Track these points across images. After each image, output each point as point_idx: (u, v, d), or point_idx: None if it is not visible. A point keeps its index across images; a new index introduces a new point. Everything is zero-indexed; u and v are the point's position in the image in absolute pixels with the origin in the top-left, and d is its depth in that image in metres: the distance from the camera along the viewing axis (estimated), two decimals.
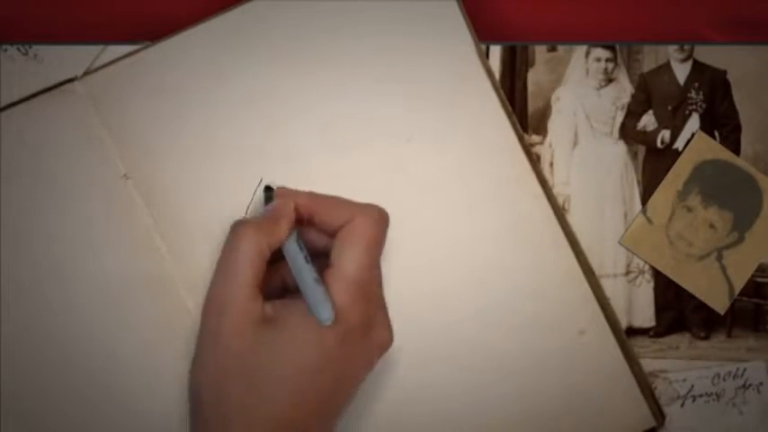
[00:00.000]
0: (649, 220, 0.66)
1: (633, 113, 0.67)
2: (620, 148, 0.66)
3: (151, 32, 0.64)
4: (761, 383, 0.64)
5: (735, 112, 0.66)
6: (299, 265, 0.56)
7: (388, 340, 0.58)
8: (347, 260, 0.56)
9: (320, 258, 0.58)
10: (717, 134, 0.66)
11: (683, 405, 0.64)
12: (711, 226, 0.66)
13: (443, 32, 0.64)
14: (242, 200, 0.62)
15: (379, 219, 0.58)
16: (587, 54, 0.67)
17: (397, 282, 0.62)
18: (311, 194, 0.59)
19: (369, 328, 0.57)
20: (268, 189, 0.60)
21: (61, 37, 0.65)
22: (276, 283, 0.58)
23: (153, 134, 0.62)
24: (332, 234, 0.58)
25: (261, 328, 0.55)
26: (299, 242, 0.57)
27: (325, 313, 0.54)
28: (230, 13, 0.64)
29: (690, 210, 0.66)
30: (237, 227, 0.56)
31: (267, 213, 0.58)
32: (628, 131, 0.67)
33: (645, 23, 0.67)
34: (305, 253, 0.57)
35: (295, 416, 0.54)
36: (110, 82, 0.63)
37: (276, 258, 0.57)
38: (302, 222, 0.59)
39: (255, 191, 0.63)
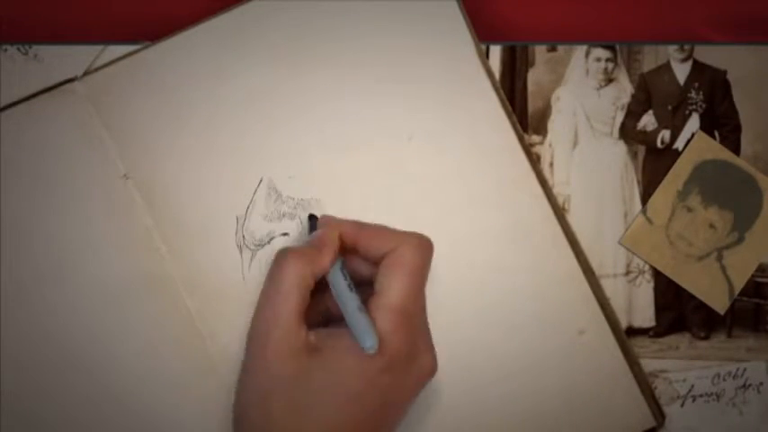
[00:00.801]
0: (649, 220, 0.66)
1: (633, 113, 0.67)
2: (620, 148, 0.66)
3: (151, 32, 0.64)
4: (761, 383, 0.64)
5: (735, 112, 0.66)
6: (343, 294, 0.56)
7: (433, 368, 0.58)
8: (391, 289, 0.56)
9: (364, 287, 0.58)
10: (717, 134, 0.66)
11: (683, 405, 0.64)
12: (711, 226, 0.66)
13: (443, 32, 0.64)
14: (242, 200, 0.63)
15: (423, 247, 0.58)
16: (587, 54, 0.67)
17: None
18: (355, 223, 0.59)
19: (413, 356, 0.57)
20: (312, 217, 0.61)
21: (61, 37, 0.65)
22: (320, 312, 0.59)
23: (153, 134, 0.62)
24: (376, 262, 0.58)
25: (305, 357, 0.55)
26: (343, 271, 0.57)
27: (369, 341, 0.54)
28: (230, 13, 0.64)
29: (690, 210, 0.66)
30: (282, 255, 0.57)
31: (311, 241, 0.58)
32: (628, 131, 0.67)
33: (645, 23, 0.67)
34: (349, 281, 0.57)
35: None
36: (110, 82, 0.63)
37: (320, 287, 0.57)
38: (346, 251, 0.59)
39: (255, 191, 0.63)
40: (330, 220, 0.60)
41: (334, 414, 0.54)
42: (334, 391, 0.55)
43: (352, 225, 0.59)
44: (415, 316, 0.57)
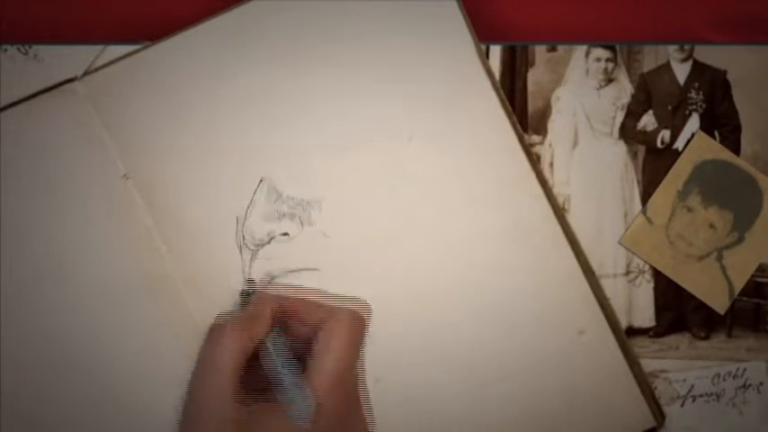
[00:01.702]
0: (649, 220, 0.66)
1: (633, 113, 0.67)
2: (620, 148, 0.66)
3: (151, 32, 0.64)
4: (761, 383, 0.64)
5: (735, 112, 0.66)
6: (276, 366, 0.57)
7: None
8: (325, 360, 0.57)
9: (301, 354, 0.58)
10: (717, 134, 0.66)
11: (683, 405, 0.64)
12: (711, 226, 0.66)
13: (443, 32, 0.64)
14: (242, 200, 0.63)
15: (357, 319, 0.58)
16: (587, 54, 0.67)
17: (397, 281, 0.62)
18: (289, 297, 0.60)
19: (347, 425, 0.57)
20: (245, 293, 0.61)
21: (61, 37, 0.65)
22: (255, 377, 0.58)
23: (153, 134, 0.62)
24: (312, 330, 0.58)
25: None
26: (276, 342, 0.58)
27: (304, 412, 0.55)
28: (230, 13, 0.64)
29: (690, 210, 0.66)
30: (217, 330, 0.57)
31: (245, 315, 0.58)
32: (628, 131, 0.67)
33: (645, 23, 0.67)
34: (282, 353, 0.57)
35: None
36: (110, 82, 0.63)
37: (256, 354, 0.58)
38: (282, 323, 0.59)
39: (255, 191, 0.63)
40: (264, 295, 0.60)
41: None
42: None
43: (285, 300, 0.59)
44: (349, 386, 0.58)
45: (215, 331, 0.57)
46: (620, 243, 0.65)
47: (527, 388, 0.62)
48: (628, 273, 0.65)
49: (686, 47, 0.67)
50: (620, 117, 0.67)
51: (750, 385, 0.64)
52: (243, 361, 0.57)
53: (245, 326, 0.57)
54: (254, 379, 0.58)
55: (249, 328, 0.57)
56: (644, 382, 0.63)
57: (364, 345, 0.59)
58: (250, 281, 0.61)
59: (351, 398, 0.58)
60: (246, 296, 0.61)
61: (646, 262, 0.65)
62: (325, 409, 0.55)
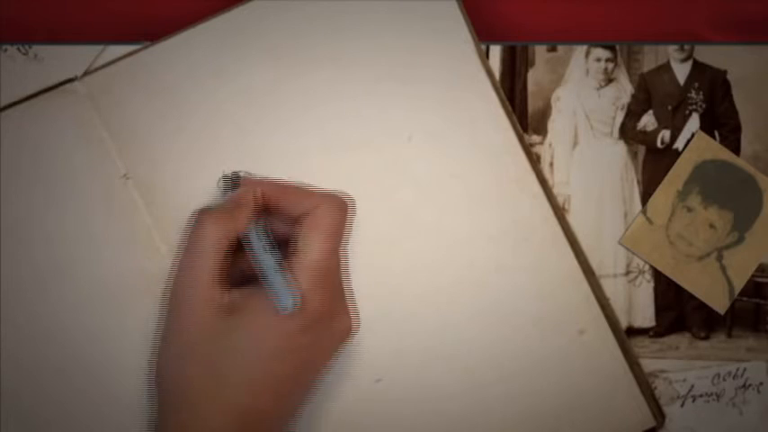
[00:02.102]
0: (649, 220, 0.66)
1: (633, 113, 0.67)
2: (620, 148, 0.66)
3: (151, 32, 0.64)
4: (761, 383, 0.64)
5: (735, 112, 0.66)
6: (260, 254, 0.56)
7: (351, 328, 0.58)
8: (310, 248, 0.56)
9: (285, 246, 0.57)
10: (717, 134, 0.66)
11: (683, 405, 0.64)
12: (711, 226, 0.66)
13: (443, 32, 0.64)
14: None
15: (342, 206, 0.58)
16: (587, 54, 0.67)
17: (397, 281, 0.62)
18: (274, 183, 0.59)
19: (332, 315, 0.57)
20: (230, 177, 0.60)
21: (61, 37, 0.65)
22: (241, 271, 0.58)
23: (153, 134, 0.62)
24: (296, 222, 0.57)
25: (222, 317, 0.55)
26: (260, 230, 0.57)
27: (287, 301, 0.54)
28: (230, 13, 0.64)
29: (690, 210, 0.66)
30: (200, 215, 0.57)
31: (228, 202, 0.58)
32: (628, 131, 0.67)
33: (645, 23, 0.67)
34: (266, 241, 0.57)
35: (255, 403, 0.55)
36: (110, 82, 0.63)
37: (242, 246, 0.57)
38: (267, 210, 0.59)
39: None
40: (250, 180, 0.60)
41: (252, 374, 0.55)
42: (253, 351, 0.55)
43: (270, 185, 0.59)
44: (334, 276, 0.57)
45: (198, 216, 0.57)
46: (620, 243, 0.65)
47: (527, 388, 0.62)
48: (628, 273, 0.65)
49: (686, 47, 0.67)
50: (620, 117, 0.67)
51: (750, 385, 0.64)
52: (225, 245, 0.56)
53: (228, 210, 0.57)
54: (241, 269, 0.58)
55: (232, 213, 0.57)
56: (644, 382, 0.63)
57: (348, 234, 0.58)
58: (235, 172, 0.61)
59: (335, 288, 0.57)
60: (230, 181, 0.60)
61: (646, 262, 0.65)
62: (309, 300, 0.55)
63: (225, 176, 0.60)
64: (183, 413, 0.55)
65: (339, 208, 0.58)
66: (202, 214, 0.57)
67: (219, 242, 0.56)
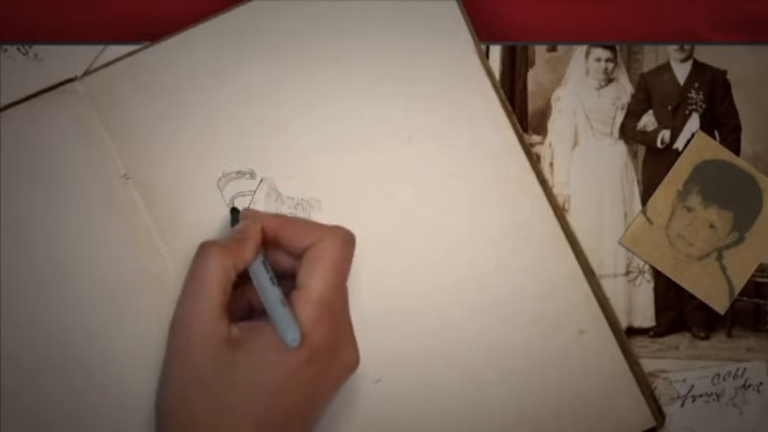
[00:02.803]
0: (649, 220, 0.66)
1: (633, 113, 0.67)
2: (620, 148, 0.66)
3: (151, 32, 0.64)
4: (761, 383, 0.64)
5: (735, 112, 0.66)
6: (265, 287, 0.56)
7: (355, 361, 0.58)
8: (313, 282, 0.56)
9: (287, 280, 0.58)
10: (717, 134, 0.66)
11: (683, 405, 0.64)
12: (711, 226, 0.66)
13: (443, 32, 0.64)
14: (242, 200, 0.63)
15: (346, 240, 0.58)
16: (587, 54, 0.67)
17: (397, 281, 0.62)
18: (277, 216, 0.60)
19: (335, 349, 0.57)
20: (234, 210, 0.61)
21: (61, 37, 0.65)
22: (243, 305, 0.59)
23: (153, 134, 0.62)
24: (298, 256, 0.58)
25: (227, 351, 0.55)
26: (265, 264, 0.57)
27: (291, 335, 0.54)
28: (230, 13, 0.64)
29: (690, 210, 0.66)
30: (204, 248, 0.57)
31: (233, 235, 0.58)
32: (628, 131, 0.67)
33: (645, 23, 0.67)
34: (271, 274, 0.57)
35: None
36: (110, 82, 0.63)
37: (243, 280, 0.58)
38: (269, 244, 0.59)
39: (255, 191, 0.63)
40: (252, 213, 0.60)
41: (256, 408, 0.55)
42: (257, 385, 0.55)
43: (273, 218, 0.59)
44: (337, 310, 0.57)
45: (202, 248, 0.57)
46: (620, 243, 0.65)
47: (527, 388, 0.62)
48: (628, 273, 0.65)
49: (686, 47, 0.67)
50: (620, 117, 0.67)
51: (750, 385, 0.64)
52: (230, 278, 0.56)
53: (233, 244, 0.57)
54: (249, 302, 0.58)
55: (236, 246, 0.57)
56: (644, 382, 0.63)
57: (350, 268, 0.58)
58: (234, 207, 0.61)
59: (338, 321, 0.57)
60: (236, 213, 0.60)
61: (646, 262, 0.65)
62: (313, 334, 0.55)
63: (232, 209, 0.61)
64: None
65: (342, 241, 0.58)
66: (206, 247, 0.57)
67: (224, 275, 0.56)
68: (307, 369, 0.55)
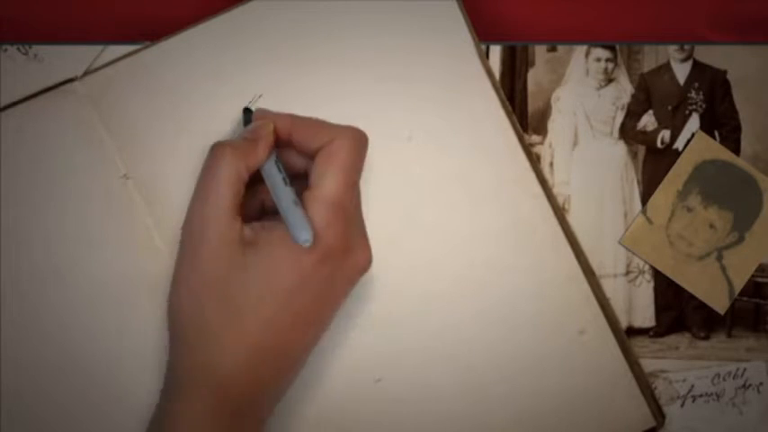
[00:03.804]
0: (649, 220, 0.66)
1: (633, 113, 0.67)
2: (620, 148, 0.66)
3: (151, 32, 0.64)
4: (761, 383, 0.64)
5: (735, 112, 0.66)
6: (278, 187, 0.56)
7: (367, 261, 0.58)
8: (326, 182, 0.56)
9: (300, 181, 0.57)
10: (717, 134, 0.66)
11: (683, 405, 0.64)
12: (711, 226, 0.66)
13: (443, 32, 0.64)
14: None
15: (358, 140, 0.58)
16: (587, 54, 0.67)
17: (397, 281, 0.62)
18: (290, 116, 0.59)
19: (347, 249, 0.56)
20: (247, 111, 0.60)
21: (61, 37, 0.65)
22: (256, 206, 0.58)
23: (153, 134, 0.62)
24: (311, 156, 0.57)
25: (239, 251, 0.55)
26: (278, 164, 0.57)
27: (304, 234, 0.54)
28: (230, 13, 0.64)
29: (690, 210, 0.66)
30: (216, 149, 0.56)
31: (246, 135, 0.58)
32: (628, 131, 0.67)
33: (645, 23, 0.67)
34: (283, 175, 0.57)
35: (273, 337, 0.55)
36: (110, 82, 0.63)
37: (256, 181, 0.57)
38: (282, 144, 0.58)
39: None
40: (265, 113, 0.59)
41: (269, 307, 0.54)
42: (269, 285, 0.54)
43: (287, 118, 0.59)
44: (349, 209, 0.57)
45: (214, 149, 0.56)
46: (620, 243, 0.65)
47: (527, 388, 0.62)
48: (628, 273, 0.65)
49: (686, 47, 0.67)
50: (620, 117, 0.67)
51: (750, 385, 0.64)
52: (243, 178, 0.56)
53: (245, 144, 0.57)
54: (262, 202, 0.58)
55: (248, 146, 0.56)
56: (644, 382, 0.63)
57: (362, 169, 0.58)
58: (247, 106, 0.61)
59: (351, 222, 0.57)
60: (249, 114, 0.60)
61: (646, 262, 0.65)
62: (325, 234, 0.55)
63: (244, 109, 0.60)
64: (198, 350, 0.54)
65: (355, 141, 0.57)
66: (218, 147, 0.56)
67: (236, 175, 0.55)
68: (319, 269, 0.55)
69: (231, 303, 0.54)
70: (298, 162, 0.59)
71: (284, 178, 0.56)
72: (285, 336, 0.55)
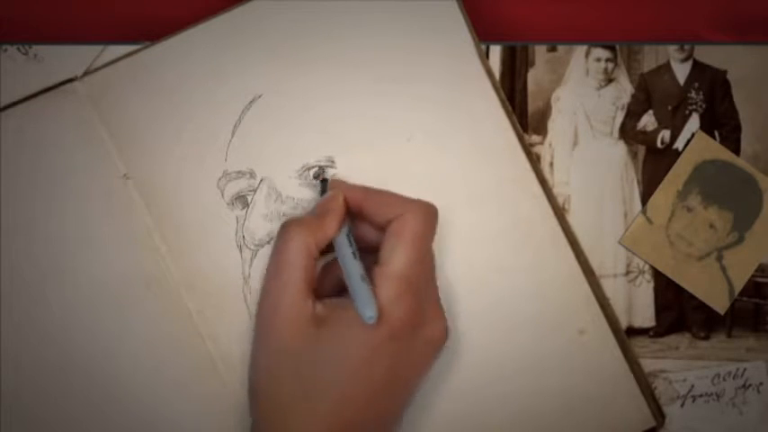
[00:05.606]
0: (649, 220, 0.66)
1: (633, 113, 0.67)
2: (620, 148, 0.66)
3: (151, 32, 0.64)
4: (761, 383, 0.64)
5: (735, 112, 0.66)
6: (347, 262, 0.56)
7: (442, 336, 0.58)
8: (394, 257, 0.56)
9: (371, 254, 0.58)
10: (717, 134, 0.66)
11: (683, 405, 0.64)
12: (711, 226, 0.66)
13: (443, 32, 0.64)
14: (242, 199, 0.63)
15: (429, 213, 0.58)
16: (587, 54, 0.67)
17: None
18: (363, 188, 0.59)
19: (419, 324, 0.56)
20: (323, 181, 0.61)
21: (61, 37, 0.65)
22: (333, 278, 0.59)
23: (153, 134, 0.62)
24: (382, 228, 0.58)
25: (311, 328, 0.55)
26: (349, 237, 0.57)
27: (368, 311, 0.54)
28: (230, 13, 0.64)
29: (690, 210, 0.66)
30: (285, 228, 0.57)
31: (316, 209, 0.58)
32: (628, 131, 0.67)
33: (645, 23, 0.68)
34: (354, 248, 0.57)
35: (346, 413, 0.55)
36: (110, 82, 0.63)
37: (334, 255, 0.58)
38: (355, 215, 0.59)
39: (255, 191, 0.62)
40: (339, 184, 0.60)
41: (341, 385, 0.55)
42: (341, 361, 0.55)
43: (359, 190, 0.59)
44: (419, 284, 0.57)
45: (283, 229, 0.57)
46: (620, 243, 0.65)
47: (527, 388, 0.62)
48: (628, 273, 0.65)
49: (686, 47, 0.67)
50: (620, 117, 0.67)
51: (750, 385, 0.64)
52: (311, 256, 0.56)
53: (313, 220, 0.57)
54: (338, 277, 0.58)
55: (317, 222, 0.57)
56: (644, 382, 0.63)
57: (432, 242, 0.58)
58: (320, 168, 0.61)
59: (421, 296, 0.57)
60: (325, 183, 0.61)
61: (646, 262, 0.65)
62: (393, 310, 0.55)
63: (315, 173, 0.61)
64: (277, 426, 0.55)
65: (425, 214, 0.58)
66: (287, 226, 0.57)
67: (306, 253, 0.56)
68: (388, 345, 0.55)
69: (306, 379, 0.55)
70: (370, 234, 0.59)
71: (354, 252, 0.57)
72: (359, 410, 0.55)
